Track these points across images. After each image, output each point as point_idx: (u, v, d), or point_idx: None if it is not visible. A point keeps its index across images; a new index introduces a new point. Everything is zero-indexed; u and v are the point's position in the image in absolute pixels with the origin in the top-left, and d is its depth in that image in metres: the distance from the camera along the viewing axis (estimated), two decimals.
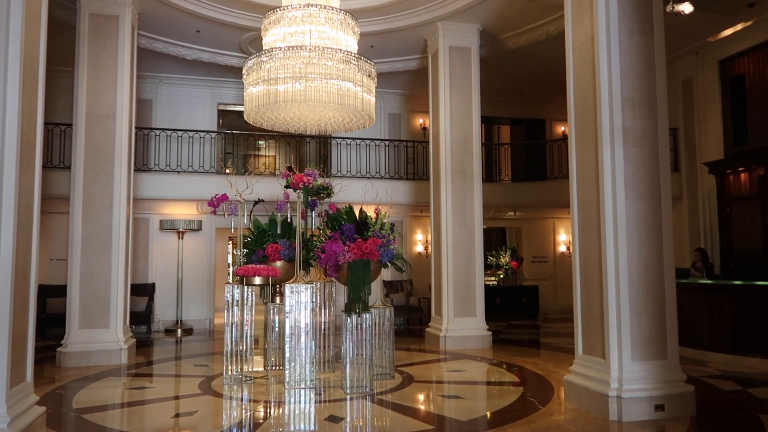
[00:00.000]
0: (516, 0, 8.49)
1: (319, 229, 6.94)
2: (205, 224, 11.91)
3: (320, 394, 5.93)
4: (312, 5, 6.23)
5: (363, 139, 12.38)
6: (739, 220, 9.97)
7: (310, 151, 13.40)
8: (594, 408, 5.00)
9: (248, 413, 5.40)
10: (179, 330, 11.04)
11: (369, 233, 5.99)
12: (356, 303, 5.90)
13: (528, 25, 9.41)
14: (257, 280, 6.39)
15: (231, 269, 14.07)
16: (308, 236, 6.90)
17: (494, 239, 14.69)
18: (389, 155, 12.90)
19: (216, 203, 6.67)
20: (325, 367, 6.77)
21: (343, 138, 12.41)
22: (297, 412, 5.42)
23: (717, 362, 7.24)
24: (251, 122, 6.80)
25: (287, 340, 6.04)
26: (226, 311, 6.47)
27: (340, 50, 6.11)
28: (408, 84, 12.67)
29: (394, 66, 11.17)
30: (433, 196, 9.50)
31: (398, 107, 13.70)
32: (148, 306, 11.06)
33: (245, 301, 6.53)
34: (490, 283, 13.17)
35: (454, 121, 9.14)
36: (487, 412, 5.41)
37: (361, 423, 5.06)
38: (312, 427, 4.98)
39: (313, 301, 6.16)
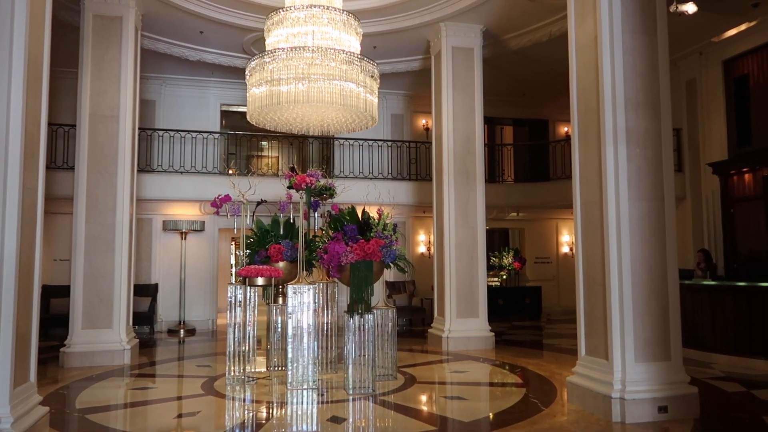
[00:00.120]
0: (519, 0, 8.48)
1: (322, 229, 6.94)
2: (208, 225, 11.92)
3: (322, 395, 5.93)
4: (315, 6, 6.23)
5: (366, 139, 12.39)
6: (743, 221, 9.94)
7: (312, 152, 13.41)
8: (597, 409, 4.98)
9: (251, 414, 5.40)
10: (182, 330, 11.06)
11: (371, 234, 5.99)
12: (359, 304, 5.90)
13: (531, 26, 9.39)
14: (260, 281, 6.40)
15: (234, 270, 14.08)
16: (311, 237, 6.90)
17: (497, 240, 14.67)
18: (392, 156, 12.90)
19: (219, 204, 6.68)
20: (328, 368, 6.76)
21: (346, 139, 12.42)
22: (299, 412, 5.42)
23: (720, 364, 7.21)
24: (254, 123, 6.81)
25: (290, 340, 6.04)
26: (228, 312, 6.48)
27: (343, 51, 6.11)
28: (411, 85, 12.67)
29: (396, 67, 11.17)
30: (435, 196, 9.49)
31: (401, 108, 13.71)
32: (151, 306, 11.07)
33: (248, 302, 6.53)
34: (493, 284, 13.15)
35: (457, 122, 9.14)
36: (490, 414, 5.40)
37: (363, 424, 5.05)
38: (314, 428, 4.98)
39: (315, 302, 6.16)
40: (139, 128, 9.14)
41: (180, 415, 5.36)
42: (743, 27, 9.65)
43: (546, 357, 8.28)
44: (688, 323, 6.99)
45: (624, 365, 4.86)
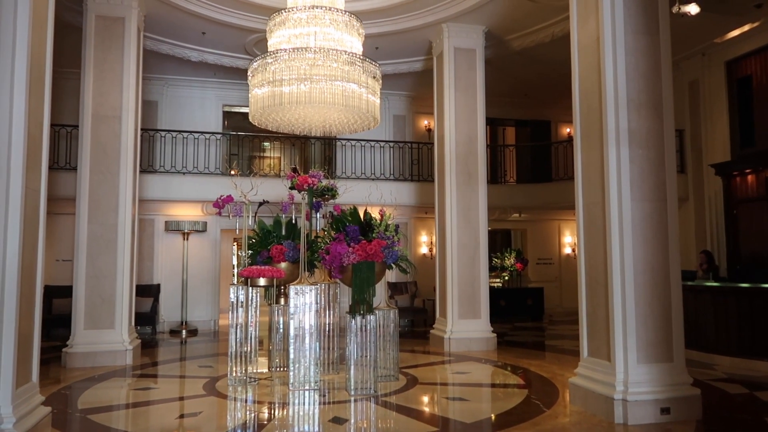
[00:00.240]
0: (521, 1, 8.47)
1: (324, 230, 6.94)
2: (210, 225, 11.93)
3: (324, 396, 5.92)
4: (317, 7, 6.24)
5: (368, 140, 12.39)
6: (745, 222, 9.92)
7: (314, 153, 13.43)
8: (599, 411, 4.97)
9: (252, 414, 5.40)
10: (184, 331, 11.07)
11: (373, 235, 5.99)
12: (360, 304, 5.90)
13: (533, 27, 9.38)
14: (262, 282, 6.40)
15: (236, 270, 14.09)
16: (313, 237, 6.91)
17: (499, 241, 14.66)
18: (394, 157, 12.90)
19: (221, 204, 6.69)
20: (330, 369, 6.76)
21: (348, 139, 12.43)
22: (301, 413, 5.42)
23: (723, 365, 7.19)
24: (256, 124, 6.82)
25: (291, 341, 6.04)
26: (230, 312, 6.48)
27: (345, 52, 6.11)
28: (413, 85, 12.67)
29: (398, 67, 11.17)
30: (437, 197, 9.48)
31: (403, 109, 13.71)
32: (153, 307, 11.08)
33: (250, 303, 6.53)
34: (495, 284, 13.14)
35: (459, 123, 9.13)
36: (492, 415, 5.40)
37: (365, 425, 5.05)
38: (316, 429, 4.98)
39: (317, 303, 6.16)
40: (142, 129, 9.14)
41: (182, 416, 5.37)
42: (746, 28, 9.64)
43: (548, 358, 8.27)
44: (691, 324, 6.96)
45: (626, 366, 4.85)
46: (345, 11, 6.39)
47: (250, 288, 6.52)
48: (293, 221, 7.11)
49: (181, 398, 6.11)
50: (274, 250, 6.66)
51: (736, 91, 10.42)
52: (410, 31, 9.54)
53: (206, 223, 11.74)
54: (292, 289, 6.11)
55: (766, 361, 6.85)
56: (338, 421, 5.04)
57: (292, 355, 6.04)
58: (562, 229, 14.70)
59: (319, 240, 6.75)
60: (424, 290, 12.60)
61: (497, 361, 7.89)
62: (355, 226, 6.01)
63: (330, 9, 6.28)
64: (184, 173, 11.32)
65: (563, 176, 12.54)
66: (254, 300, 6.63)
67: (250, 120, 6.76)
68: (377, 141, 12.58)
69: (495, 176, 13.50)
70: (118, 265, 7.73)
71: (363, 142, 12.47)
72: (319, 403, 5.66)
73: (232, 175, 11.18)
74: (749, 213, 9.83)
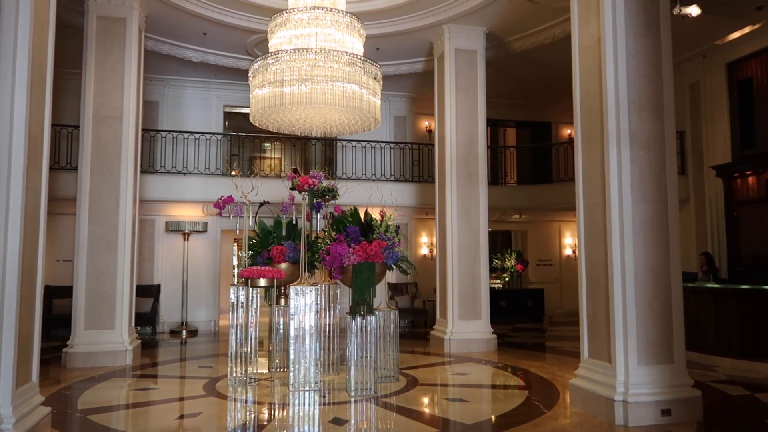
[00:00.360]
0: (522, 3, 8.47)
1: (324, 231, 6.94)
2: (210, 226, 11.93)
3: (324, 397, 5.92)
4: (318, 8, 6.24)
5: (368, 141, 12.39)
6: (746, 224, 9.91)
7: (315, 153, 13.43)
8: (600, 412, 4.97)
9: (252, 415, 5.40)
10: (184, 331, 11.06)
11: (374, 235, 5.99)
12: (361, 305, 5.89)
13: (534, 28, 9.39)
14: (262, 282, 6.40)
15: (236, 271, 14.09)
16: (313, 238, 6.90)
17: (499, 242, 14.65)
18: (394, 157, 12.90)
19: (221, 205, 6.69)
20: (330, 370, 6.76)
21: (349, 140, 12.43)
22: (301, 414, 5.42)
23: (724, 367, 7.19)
24: (257, 124, 6.82)
25: (292, 342, 6.04)
26: (230, 313, 6.48)
27: (346, 53, 6.12)
28: (413, 86, 12.67)
29: (399, 69, 11.18)
30: (438, 198, 9.49)
31: (404, 110, 13.71)
32: (153, 307, 11.08)
33: (250, 303, 6.53)
34: (495, 286, 13.13)
35: (460, 124, 9.14)
36: (492, 416, 5.39)
37: (365, 426, 5.04)
38: (316, 430, 4.98)
39: (317, 303, 6.16)
40: (143, 129, 9.14)
41: (182, 416, 5.36)
42: (747, 30, 9.64)
43: (548, 359, 8.27)
44: (692, 326, 6.96)
45: (627, 368, 4.85)
46: (346, 12, 6.40)
47: (251, 288, 6.52)
48: (294, 222, 7.11)
49: (181, 399, 6.11)
50: (274, 251, 6.66)
51: (736, 92, 10.42)
52: (411, 32, 9.55)
53: (207, 223, 11.74)
54: (293, 290, 6.11)
55: (766, 363, 6.84)
56: (338, 422, 5.03)
57: (292, 356, 6.04)
58: (562, 230, 14.70)
59: (320, 241, 6.75)
60: (424, 291, 12.60)
61: (497, 363, 7.88)
62: (355, 227, 6.01)
63: (331, 10, 6.29)
64: (184, 174, 11.33)
65: (564, 177, 12.54)
66: (254, 300, 6.63)
67: (251, 120, 6.76)
68: (378, 142, 12.58)
69: (495, 177, 13.50)
70: (118, 265, 7.73)
71: (364, 143, 12.47)
72: (319, 404, 5.65)
73: (233, 176, 11.18)
74: (750, 214, 9.82)
